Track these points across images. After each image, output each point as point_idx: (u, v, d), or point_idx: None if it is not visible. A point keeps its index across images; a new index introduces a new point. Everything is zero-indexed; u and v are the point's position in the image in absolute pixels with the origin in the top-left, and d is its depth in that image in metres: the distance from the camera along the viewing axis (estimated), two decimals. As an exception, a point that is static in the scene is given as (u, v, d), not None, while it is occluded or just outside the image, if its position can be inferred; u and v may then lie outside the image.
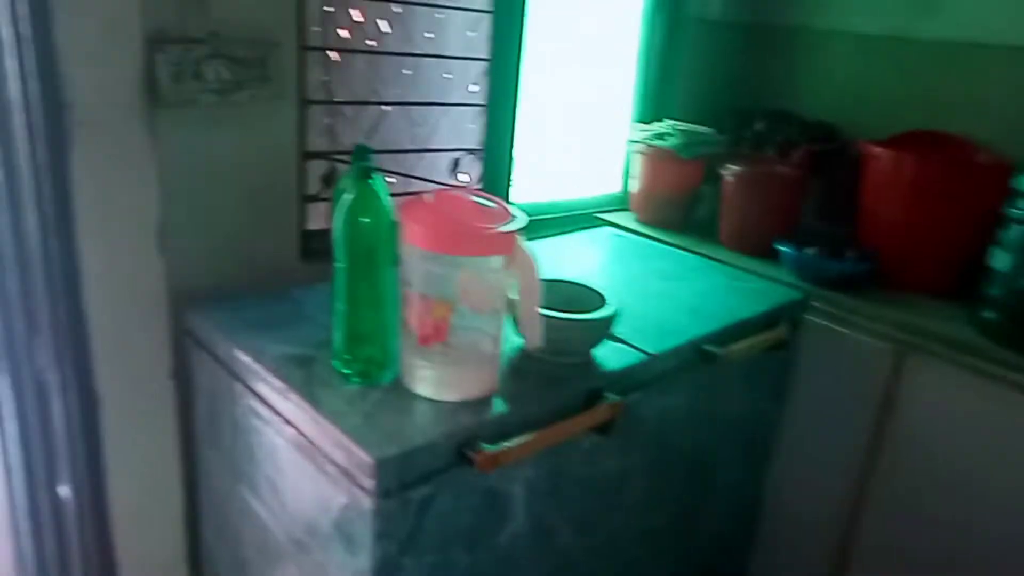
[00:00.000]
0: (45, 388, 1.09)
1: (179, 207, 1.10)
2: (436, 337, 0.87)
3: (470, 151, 1.66)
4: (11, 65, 0.95)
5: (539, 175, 1.80)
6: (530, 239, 0.87)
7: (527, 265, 0.86)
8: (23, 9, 0.92)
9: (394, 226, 0.87)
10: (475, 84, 1.65)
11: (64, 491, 1.12)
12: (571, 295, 1.08)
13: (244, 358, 0.96)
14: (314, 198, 1.39)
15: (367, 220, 0.88)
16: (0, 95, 0.98)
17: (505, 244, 0.85)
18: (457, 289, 0.85)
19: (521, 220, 0.88)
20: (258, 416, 0.96)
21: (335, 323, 0.92)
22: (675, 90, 1.96)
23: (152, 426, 1.15)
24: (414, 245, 0.84)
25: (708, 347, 1.14)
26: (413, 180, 1.58)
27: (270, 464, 0.96)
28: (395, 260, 0.89)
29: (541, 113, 1.76)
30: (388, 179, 1.58)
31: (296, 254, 1.31)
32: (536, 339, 0.91)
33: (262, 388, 0.94)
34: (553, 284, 1.04)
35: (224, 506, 1.12)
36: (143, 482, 1.16)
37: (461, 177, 1.67)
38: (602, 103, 1.92)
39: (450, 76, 1.61)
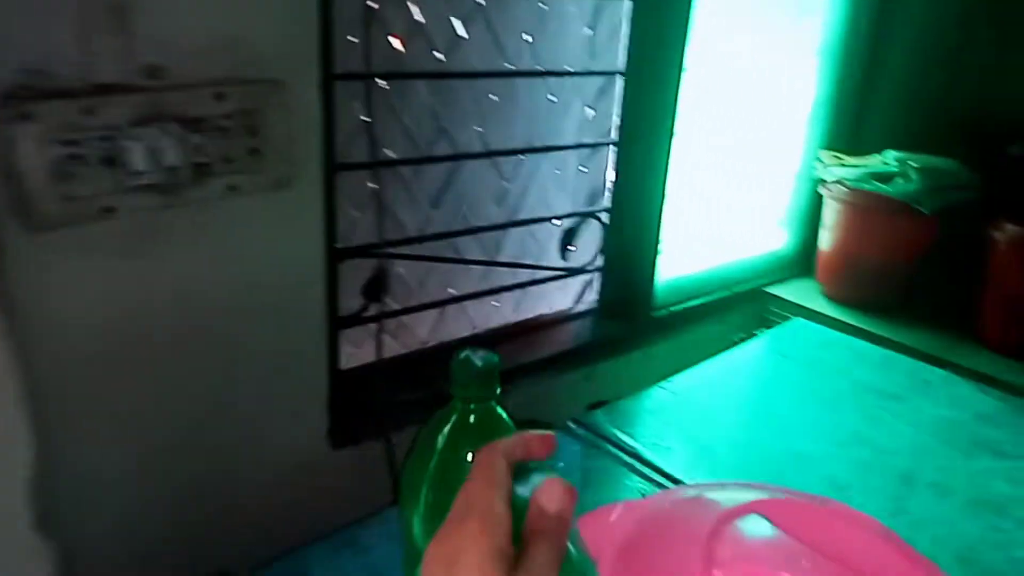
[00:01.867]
0: None
1: (75, 420, 0.55)
2: None
3: (587, 214, 1.08)
4: None
5: (684, 237, 1.21)
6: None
7: None
8: None
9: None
10: (590, 108, 1.07)
11: None
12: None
13: None
14: (353, 319, 0.83)
15: None
16: None
17: None
18: None
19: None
20: None
21: None
22: (881, 102, 1.33)
23: None
24: None
25: None
26: (504, 268, 1.01)
27: None
28: None
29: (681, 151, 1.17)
30: (473, 269, 1.01)
31: (322, 438, 0.76)
32: None
33: None
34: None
35: None
36: None
37: (571, 252, 1.08)
38: (761, 123, 1.29)
39: (555, 99, 1.03)
